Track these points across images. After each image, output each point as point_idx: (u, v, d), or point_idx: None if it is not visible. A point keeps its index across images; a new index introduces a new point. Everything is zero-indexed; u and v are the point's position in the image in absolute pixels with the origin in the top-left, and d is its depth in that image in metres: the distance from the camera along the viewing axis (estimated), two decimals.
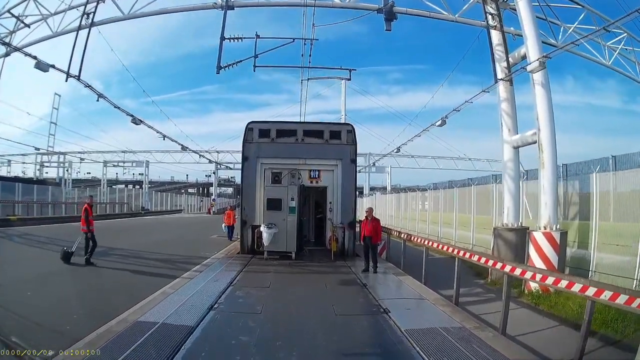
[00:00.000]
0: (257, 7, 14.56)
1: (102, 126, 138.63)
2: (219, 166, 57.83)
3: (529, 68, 10.83)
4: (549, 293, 9.00)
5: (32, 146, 42.59)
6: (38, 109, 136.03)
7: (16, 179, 42.35)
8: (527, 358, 5.60)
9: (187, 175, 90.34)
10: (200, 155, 48.54)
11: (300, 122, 18.04)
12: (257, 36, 14.03)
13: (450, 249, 10.08)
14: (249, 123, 14.62)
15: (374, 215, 11.83)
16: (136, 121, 18.31)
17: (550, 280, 6.48)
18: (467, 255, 9.01)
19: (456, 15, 13.66)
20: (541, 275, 6.73)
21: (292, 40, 14.42)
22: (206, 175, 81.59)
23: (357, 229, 14.68)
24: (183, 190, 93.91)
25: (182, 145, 32.48)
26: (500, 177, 15.87)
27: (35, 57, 12.77)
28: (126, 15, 14.46)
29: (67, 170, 52.46)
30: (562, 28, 14.59)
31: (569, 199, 11.84)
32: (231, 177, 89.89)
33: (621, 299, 5.18)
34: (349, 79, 16.43)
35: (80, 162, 53.90)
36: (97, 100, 15.14)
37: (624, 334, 6.57)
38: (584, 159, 12.50)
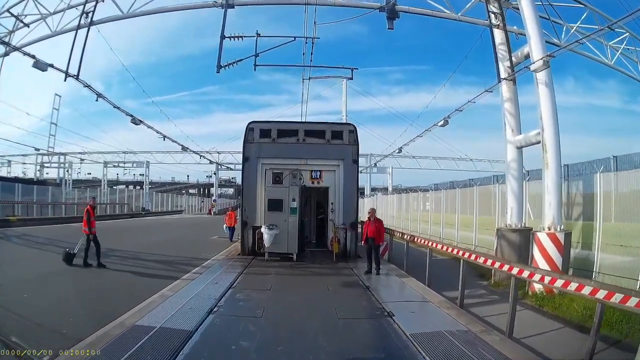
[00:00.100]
0: (258, 5, 14.45)
1: (102, 127, 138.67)
2: (219, 167, 57.68)
3: (532, 67, 10.73)
4: (553, 294, 8.91)
5: (32, 147, 42.51)
6: (39, 109, 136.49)
7: (16, 180, 42.27)
8: None
9: (188, 176, 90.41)
10: (200, 156, 48.34)
11: (301, 122, 17.92)
12: (258, 34, 13.90)
13: (455, 251, 9.92)
14: (249, 123, 14.47)
15: (376, 216, 11.67)
16: (136, 121, 18.19)
17: (559, 282, 6.34)
18: (473, 257, 8.86)
19: (459, 14, 13.59)
20: (550, 278, 6.58)
21: (293, 38, 14.31)
22: (207, 176, 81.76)
23: (359, 230, 14.57)
24: (184, 191, 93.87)
25: (182, 145, 32.32)
26: (502, 177, 15.87)
27: (33, 56, 12.66)
28: (125, 14, 14.39)
29: (67, 171, 52.32)
30: (564, 27, 14.56)
31: (572, 200, 11.75)
32: (232, 178, 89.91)
33: (632, 302, 5.08)
34: (351, 78, 16.28)
35: (81, 163, 53.83)
36: (97, 100, 15.05)
37: (628, 335, 6.47)
38: (584, 160, 12.63)
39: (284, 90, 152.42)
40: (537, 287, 9.12)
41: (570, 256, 10.12)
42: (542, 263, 9.50)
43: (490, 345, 5.56)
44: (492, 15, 12.70)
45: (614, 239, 9.41)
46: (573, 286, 5.99)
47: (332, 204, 14.76)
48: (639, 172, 9.49)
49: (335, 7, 14.36)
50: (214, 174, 62.19)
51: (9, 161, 52.53)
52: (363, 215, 17.23)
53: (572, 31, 14.40)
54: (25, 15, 15.92)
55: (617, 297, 5.24)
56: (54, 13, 15.66)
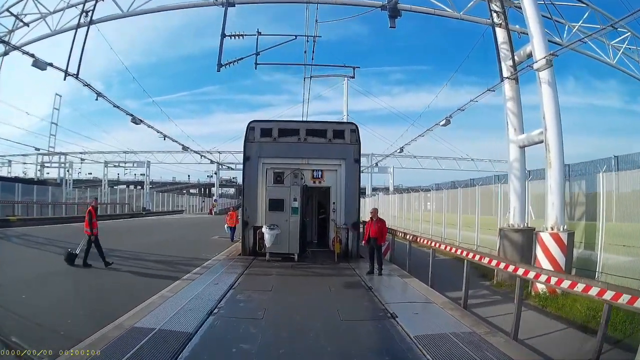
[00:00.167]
0: (258, 3, 14.36)
1: (103, 127, 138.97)
2: (220, 166, 57.68)
3: (535, 66, 10.63)
4: (555, 295, 8.83)
5: (33, 146, 42.39)
6: (40, 109, 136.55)
7: (16, 179, 42.23)
8: None
9: (188, 175, 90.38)
10: (201, 156, 48.39)
11: (302, 121, 17.82)
12: (259, 33, 13.78)
13: (459, 251, 9.79)
14: (250, 122, 14.36)
15: (378, 216, 11.56)
16: (136, 120, 18.14)
17: (566, 283, 6.19)
18: (477, 257, 8.72)
19: (461, 13, 13.52)
20: (556, 279, 6.44)
21: (294, 37, 14.20)
22: (208, 176, 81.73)
23: (361, 230, 14.47)
24: (185, 191, 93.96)
25: (183, 145, 32.32)
26: (503, 177, 15.84)
27: (32, 55, 12.59)
28: (125, 12, 14.32)
29: (67, 171, 52.29)
30: (566, 27, 14.52)
31: (575, 200, 11.65)
32: (233, 178, 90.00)
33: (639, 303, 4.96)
34: (353, 77, 16.15)
35: (81, 163, 53.82)
36: (96, 99, 15.00)
37: (631, 335, 6.40)
38: (585, 160, 12.58)
39: (284, 91, 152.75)
40: (540, 287, 9.02)
41: (573, 256, 10.03)
42: (545, 263, 9.40)
43: (496, 348, 5.46)
44: (494, 14, 12.60)
45: (616, 239, 9.32)
46: (580, 287, 5.86)
47: (333, 203, 14.65)
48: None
49: (337, 5, 14.25)
50: (215, 173, 62.17)
51: (10, 161, 52.57)
52: (364, 215, 17.16)
53: (574, 30, 14.35)
54: (25, 15, 15.86)
55: (624, 298, 5.12)
56: (54, 12, 15.60)
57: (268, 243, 12.56)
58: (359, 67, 16.36)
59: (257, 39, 13.94)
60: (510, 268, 7.49)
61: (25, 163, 54.80)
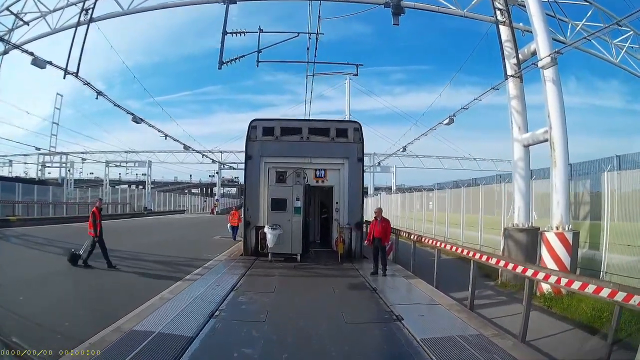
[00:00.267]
0: (261, 0, 14.17)
1: (104, 127, 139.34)
2: (222, 166, 57.63)
3: (539, 64, 10.56)
4: (561, 295, 8.76)
5: (33, 146, 42.30)
6: (42, 109, 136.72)
7: (17, 179, 42.21)
8: None
9: (190, 175, 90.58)
10: (203, 155, 48.30)
11: (305, 120, 17.64)
12: (261, 30, 13.59)
13: (465, 252, 9.64)
14: (252, 120, 14.22)
15: (383, 215, 11.40)
16: (137, 120, 18.06)
17: (576, 285, 6.06)
18: (484, 258, 8.57)
19: (464, 10, 13.32)
20: (566, 280, 6.31)
21: (296, 34, 14.00)
22: (210, 176, 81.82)
23: (364, 230, 14.32)
24: (186, 191, 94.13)
25: (184, 144, 32.21)
26: (506, 177, 15.90)
27: (32, 53, 12.51)
28: (126, 10, 14.15)
29: (69, 171, 52.26)
30: (569, 25, 14.44)
31: (579, 199, 11.64)
32: (235, 177, 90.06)
33: None
34: (356, 75, 15.97)
35: (83, 163, 53.79)
36: (97, 98, 14.91)
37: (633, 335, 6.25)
38: (585, 160, 12.63)
39: (286, 91, 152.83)
40: (545, 287, 8.95)
41: (577, 256, 9.97)
42: (550, 263, 9.33)
43: (505, 351, 5.33)
44: (498, 12, 12.50)
45: (620, 238, 9.31)
46: (591, 288, 5.75)
47: (336, 203, 14.49)
48: None
49: (340, 2, 14.07)
50: (217, 173, 62.05)
51: (10, 161, 52.59)
52: (367, 215, 17.02)
53: (577, 29, 14.28)
54: (25, 13, 15.75)
55: (636, 299, 5.05)
56: (54, 10, 15.48)
57: (270, 243, 12.40)
58: (362, 65, 16.20)
59: (259, 36, 13.78)
60: (519, 269, 7.35)
61: (26, 163, 54.99)
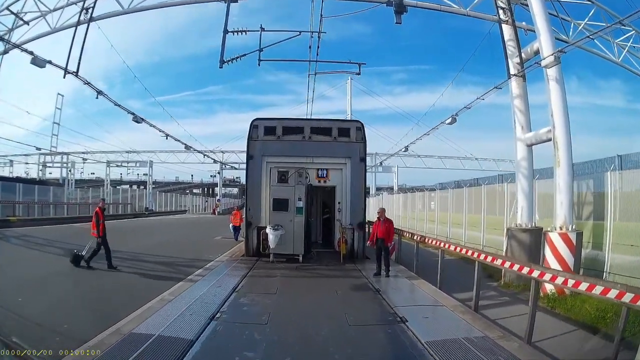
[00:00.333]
0: None
1: (106, 127, 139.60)
2: (223, 166, 57.58)
3: (543, 63, 10.50)
4: (564, 295, 8.73)
5: (34, 146, 42.26)
6: (42, 109, 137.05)
7: (17, 179, 42.15)
8: None
9: (192, 175, 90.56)
10: (204, 155, 48.33)
11: (307, 119, 17.56)
12: (262, 29, 13.53)
13: (470, 252, 9.52)
14: (254, 120, 14.12)
15: (386, 216, 11.30)
16: (137, 119, 18.01)
17: (583, 286, 5.94)
18: (489, 259, 8.45)
19: (467, 9, 13.25)
20: (574, 281, 6.18)
21: (298, 33, 13.94)
22: (211, 176, 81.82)
23: (367, 230, 14.22)
24: (188, 191, 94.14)
25: (185, 144, 32.18)
26: (508, 177, 16.00)
27: (31, 53, 12.45)
28: (126, 9, 14.10)
29: (69, 171, 52.25)
30: (572, 25, 14.41)
31: (582, 199, 11.58)
32: (236, 178, 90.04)
33: None
34: (359, 73, 15.88)
35: (84, 163, 53.73)
36: (97, 97, 14.84)
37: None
38: (586, 160, 12.66)
39: (288, 90, 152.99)
40: (549, 288, 8.86)
41: (581, 256, 9.95)
42: (554, 263, 9.27)
43: (510, 353, 5.26)
44: (501, 11, 12.46)
45: (624, 238, 9.27)
46: (598, 290, 5.65)
47: (339, 203, 14.40)
48: None
49: (343, 0, 14.01)
50: (218, 173, 61.91)
51: (11, 161, 52.60)
52: (369, 215, 16.93)
53: (579, 28, 14.26)
54: (25, 13, 15.71)
55: None
56: (54, 10, 15.44)
57: (272, 244, 12.32)
58: (365, 64, 16.12)
59: (260, 34, 13.73)
60: (525, 270, 7.23)
61: (27, 163, 55.01)
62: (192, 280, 9.65)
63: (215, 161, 54.03)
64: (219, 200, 64.94)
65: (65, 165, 52.64)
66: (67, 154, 51.84)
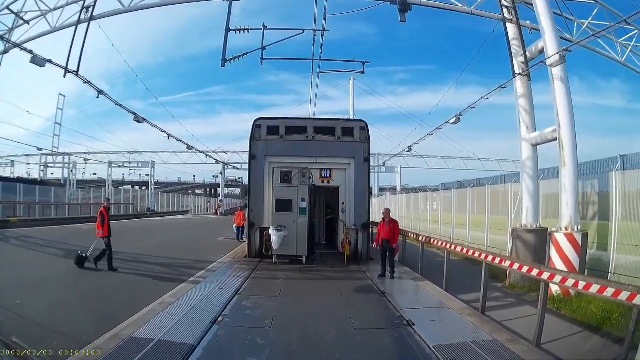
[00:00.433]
0: None
1: (107, 127, 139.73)
2: (226, 167, 57.56)
3: (548, 62, 10.36)
4: (569, 296, 8.63)
5: (35, 147, 42.25)
6: (43, 109, 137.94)
7: (18, 180, 42.10)
8: None
9: (194, 176, 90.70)
10: (207, 156, 48.25)
11: (310, 119, 17.44)
12: (265, 27, 13.39)
13: (476, 254, 9.35)
14: (256, 119, 13.98)
15: (391, 216, 11.16)
16: (139, 119, 17.93)
17: (594, 288, 5.78)
18: (497, 260, 8.27)
19: (472, 8, 13.13)
20: (584, 283, 6.00)
21: (301, 31, 13.79)
22: (213, 176, 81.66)
23: (371, 231, 14.07)
24: (190, 191, 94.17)
25: (187, 144, 32.13)
26: (510, 177, 15.95)
27: (31, 52, 12.34)
28: (127, 8, 13.98)
29: (71, 171, 52.25)
30: (575, 24, 14.39)
31: (587, 199, 11.48)
32: (239, 178, 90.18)
33: None
34: (363, 72, 15.74)
35: (85, 163, 53.80)
36: (98, 97, 14.70)
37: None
38: (588, 159, 12.49)
39: (290, 91, 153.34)
40: (554, 289, 8.70)
41: (586, 257, 9.84)
42: (559, 264, 9.17)
43: (519, 356, 5.17)
44: (505, 10, 12.37)
45: (629, 238, 9.19)
46: (610, 292, 5.49)
47: (342, 204, 14.24)
48: None
49: None
50: (221, 173, 61.94)
51: (13, 162, 52.65)
52: (373, 216, 16.77)
53: (583, 27, 14.22)
54: (26, 12, 15.63)
55: None
56: (55, 9, 15.35)
57: (275, 245, 12.17)
58: (369, 62, 15.98)
59: (263, 33, 13.57)
60: (535, 272, 7.05)
61: (28, 164, 55.11)
62: (194, 282, 9.53)
63: (217, 161, 54.01)
64: (221, 200, 64.86)
65: (66, 165, 52.68)
66: (69, 154, 51.92)
